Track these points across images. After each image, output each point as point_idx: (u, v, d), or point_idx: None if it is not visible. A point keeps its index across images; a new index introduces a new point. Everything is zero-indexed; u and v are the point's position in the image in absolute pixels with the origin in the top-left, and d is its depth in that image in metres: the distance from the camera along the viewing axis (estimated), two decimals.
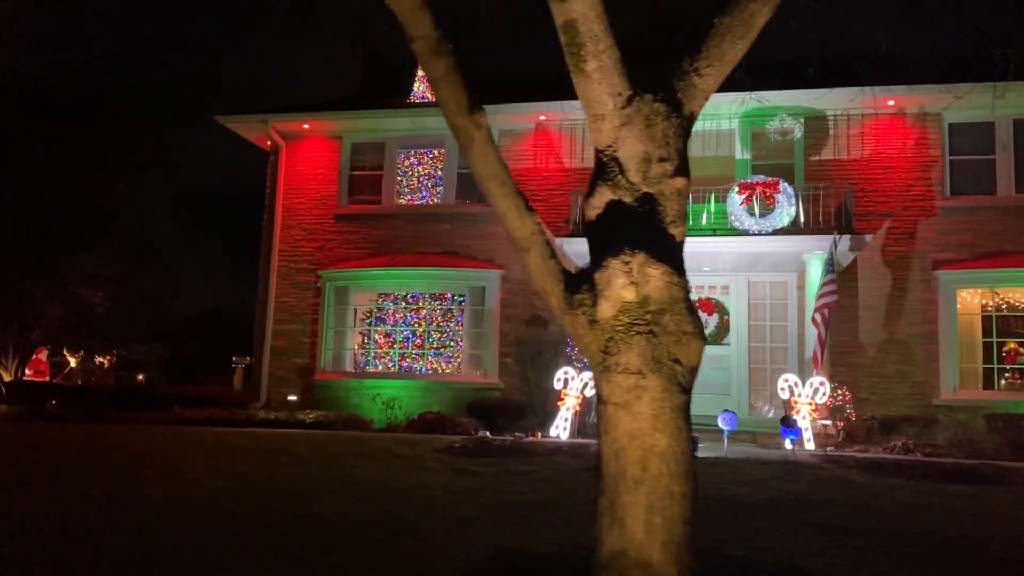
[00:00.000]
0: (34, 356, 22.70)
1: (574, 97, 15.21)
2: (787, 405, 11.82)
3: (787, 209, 12.93)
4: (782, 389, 11.66)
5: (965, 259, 14.13)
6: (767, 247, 13.24)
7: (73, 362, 25.84)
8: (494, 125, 16.25)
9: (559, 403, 12.04)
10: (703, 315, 15.26)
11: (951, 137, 14.77)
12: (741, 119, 15.45)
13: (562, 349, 14.77)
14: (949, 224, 14.39)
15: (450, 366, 16.13)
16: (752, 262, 14.25)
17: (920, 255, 14.41)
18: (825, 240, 12.95)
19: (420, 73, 17.63)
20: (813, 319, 12.45)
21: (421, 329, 16.29)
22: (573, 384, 11.95)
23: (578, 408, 11.91)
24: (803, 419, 11.28)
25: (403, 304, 16.42)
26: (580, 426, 12.18)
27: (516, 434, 11.32)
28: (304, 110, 17.47)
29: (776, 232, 12.97)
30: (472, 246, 16.30)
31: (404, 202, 17.03)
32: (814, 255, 13.10)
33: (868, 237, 13.13)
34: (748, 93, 14.90)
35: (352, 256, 16.77)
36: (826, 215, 13.69)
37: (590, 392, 11.94)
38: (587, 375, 12.00)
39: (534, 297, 15.83)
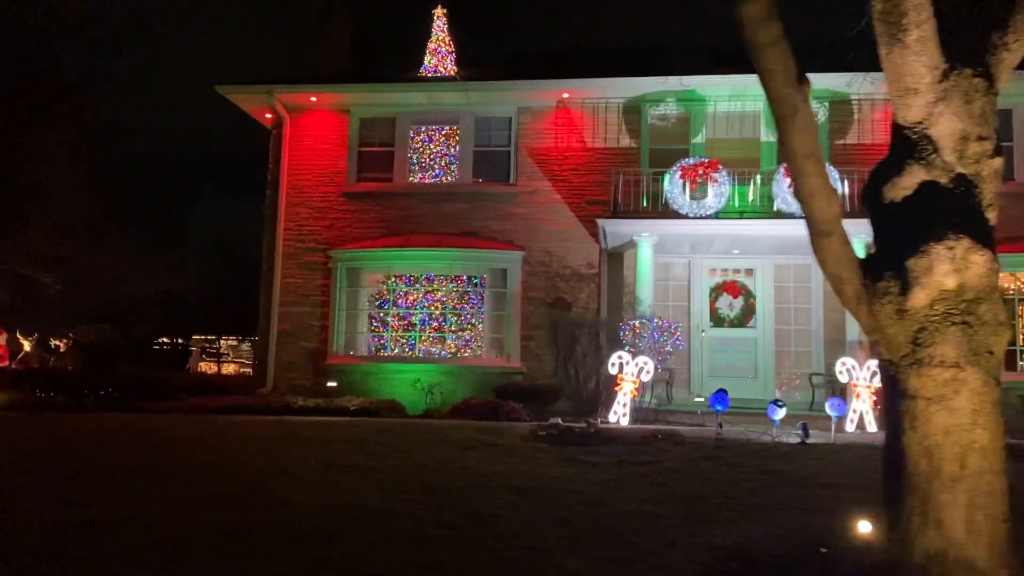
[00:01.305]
0: None
1: (597, 74, 15.00)
2: (846, 389, 11.84)
3: None
4: (840, 372, 11.66)
5: None
6: (806, 231, 13.19)
7: (27, 346, 24.25)
8: (511, 102, 15.89)
9: (616, 388, 11.79)
10: (729, 298, 15.25)
11: None
12: (766, 102, 15.35)
13: (592, 332, 14.56)
14: None
15: (469, 350, 15.69)
16: (790, 246, 14.22)
17: None
18: (866, 224, 13.01)
19: (431, 46, 17.05)
20: None
21: (438, 312, 15.78)
22: (628, 369, 11.71)
23: (635, 392, 11.68)
24: (863, 402, 11.32)
25: (420, 286, 15.86)
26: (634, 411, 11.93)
27: (590, 420, 11.01)
28: (310, 82, 16.63)
29: None
30: (491, 227, 15.85)
31: (416, 180, 16.42)
32: (856, 238, 13.10)
33: None
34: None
35: (363, 236, 16.11)
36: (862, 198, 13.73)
37: (646, 377, 11.74)
38: (642, 359, 11.79)
39: (557, 279, 15.52)
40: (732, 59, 15.76)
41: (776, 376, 14.96)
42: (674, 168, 13.64)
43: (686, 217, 13.47)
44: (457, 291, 15.82)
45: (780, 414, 9.61)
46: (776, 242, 14.12)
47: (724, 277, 15.32)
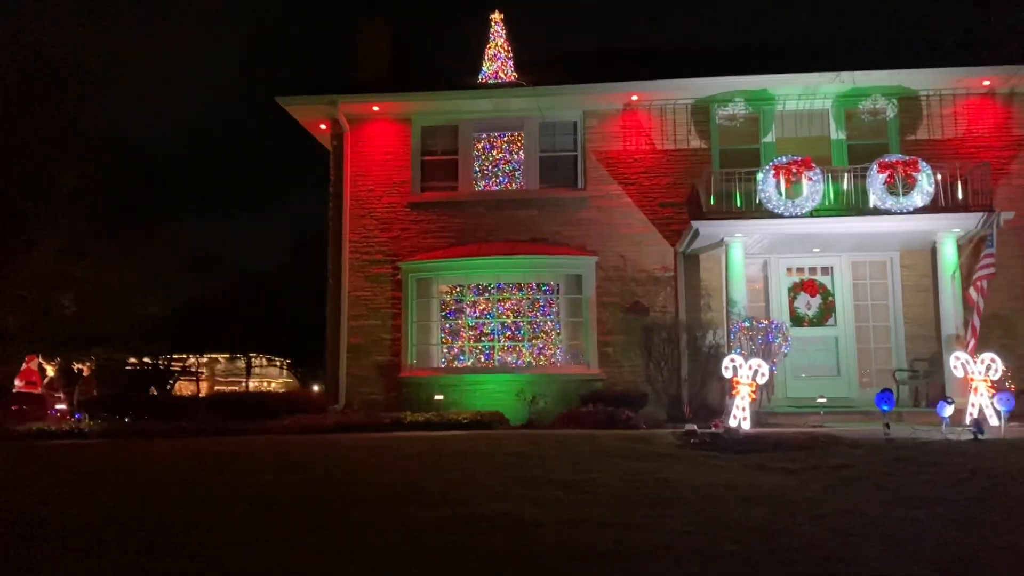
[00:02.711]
0: (24, 366, 20.54)
1: (666, 76, 15.02)
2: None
3: (926, 188, 12.97)
4: (955, 367, 11.63)
5: None
6: (902, 227, 13.24)
7: (51, 371, 23.50)
8: (576, 106, 15.74)
9: (733, 392, 11.66)
10: (807, 297, 15.21)
11: None
12: (835, 100, 15.44)
13: (683, 336, 14.44)
14: None
15: (543, 358, 15.44)
16: (869, 242, 14.22)
17: (1016, 231, 14.71)
18: (959, 219, 13.11)
19: (490, 52, 16.81)
20: (968, 295, 12.56)
21: (511, 320, 15.52)
22: (743, 372, 11.58)
23: (753, 396, 11.55)
24: (981, 396, 11.28)
25: (493, 294, 15.58)
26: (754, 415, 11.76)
27: (729, 426, 10.85)
28: (372, 91, 16.31)
29: (918, 211, 12.99)
30: (562, 233, 15.66)
31: (481, 188, 16.17)
32: (949, 233, 13.21)
33: (1010, 215, 13.25)
34: (840, 73, 14.96)
35: (431, 246, 15.82)
36: (951, 193, 13.78)
37: (762, 379, 11.62)
38: (755, 361, 11.66)
39: (632, 283, 15.39)
40: (801, 58, 15.80)
41: (858, 372, 14.94)
42: (767, 167, 13.55)
43: (780, 216, 13.39)
44: (530, 299, 15.57)
45: (949, 411, 9.54)
46: (857, 239, 14.10)
47: (801, 276, 15.29)
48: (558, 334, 15.46)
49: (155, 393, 17.36)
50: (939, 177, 13.31)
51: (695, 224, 13.46)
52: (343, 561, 5.16)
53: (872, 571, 4.81)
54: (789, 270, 15.29)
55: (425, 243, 15.84)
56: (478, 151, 16.29)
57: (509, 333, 15.46)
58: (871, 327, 15.12)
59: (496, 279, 15.53)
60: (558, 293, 15.57)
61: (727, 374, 11.79)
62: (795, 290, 15.24)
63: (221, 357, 53.80)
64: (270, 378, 54.49)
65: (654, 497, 6.83)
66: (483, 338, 15.50)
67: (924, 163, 13.13)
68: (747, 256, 14.93)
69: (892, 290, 15.10)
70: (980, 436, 8.92)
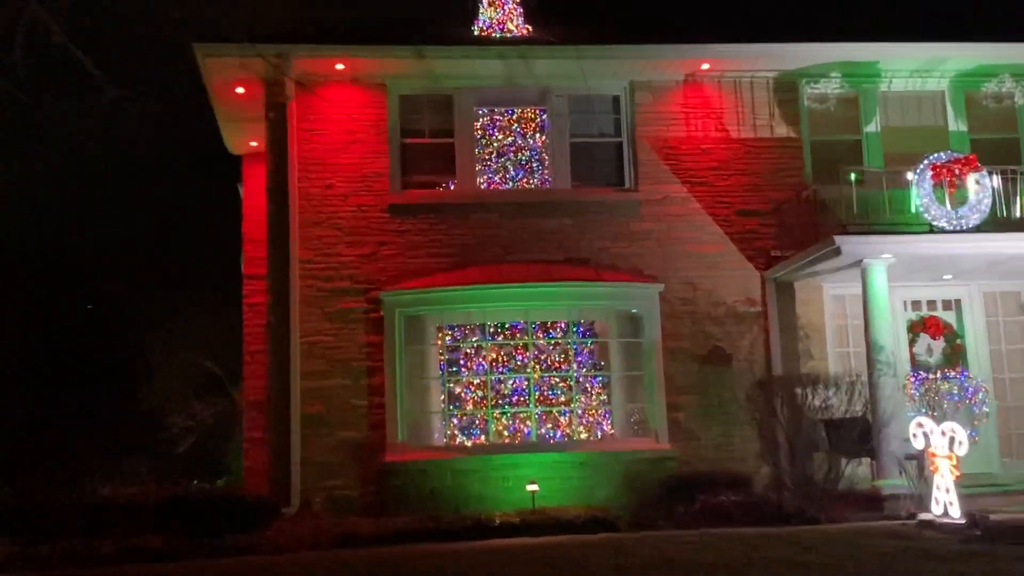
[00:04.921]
0: None
1: (741, 39, 9.58)
2: None
3: None
4: None
5: None
6: None
7: None
8: (620, 75, 11.43)
9: (932, 468, 7.81)
10: (927, 339, 11.47)
11: None
12: (952, 80, 11.87)
13: (782, 393, 10.29)
14: None
15: (584, 428, 10.89)
16: (1004, 268, 10.68)
17: None
18: None
19: None
20: None
21: (541, 376, 10.88)
22: (936, 440, 7.79)
23: (957, 474, 7.71)
24: None
25: (517, 339, 10.88)
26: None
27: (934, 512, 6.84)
28: (333, 42, 11.15)
29: None
30: (609, 250, 11.22)
31: (485, 185, 11.46)
32: None
33: None
34: (958, 44, 11.58)
35: (424, 268, 10.92)
36: None
37: (960, 449, 7.80)
38: (948, 426, 7.90)
39: (706, 322, 11.21)
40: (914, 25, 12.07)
41: (999, 437, 11.32)
42: (922, 166, 9.84)
43: (942, 231, 9.66)
44: (563, 344, 10.99)
45: None
46: (994, 264, 10.52)
47: (919, 312, 11.57)
48: (605, 395, 10.99)
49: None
50: None
51: (838, 240, 9.38)
52: None
53: None
54: (906, 304, 11.53)
55: (415, 264, 10.91)
56: (478, 132, 11.56)
57: (540, 394, 10.80)
58: (1007, 379, 11.55)
59: (524, 316, 10.84)
60: (597, 334, 11.11)
61: (917, 444, 8.11)
62: (914, 330, 11.48)
63: None
64: None
65: None
66: (502, 402, 10.76)
67: None
68: (848, 284, 11.01)
69: None
70: None
